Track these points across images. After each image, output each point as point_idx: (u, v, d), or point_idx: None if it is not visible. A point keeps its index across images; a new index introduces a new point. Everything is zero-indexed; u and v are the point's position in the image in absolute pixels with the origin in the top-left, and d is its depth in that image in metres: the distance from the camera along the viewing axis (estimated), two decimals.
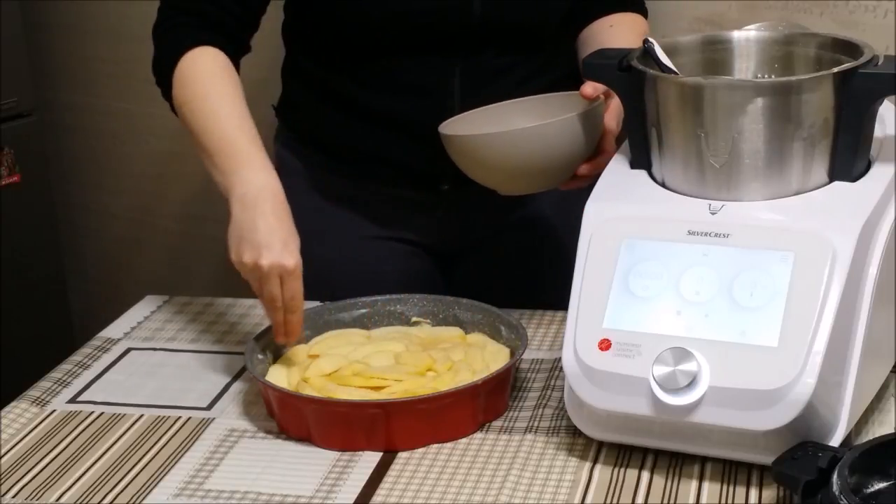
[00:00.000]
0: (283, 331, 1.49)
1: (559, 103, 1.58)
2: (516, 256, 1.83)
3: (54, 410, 1.52)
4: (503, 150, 1.50)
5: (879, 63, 1.32)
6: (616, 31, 1.71)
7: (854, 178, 1.33)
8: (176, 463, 1.38)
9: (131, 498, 1.32)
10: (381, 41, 1.66)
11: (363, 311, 1.61)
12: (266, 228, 1.46)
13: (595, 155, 1.54)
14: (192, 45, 1.59)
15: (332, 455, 1.38)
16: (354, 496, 1.30)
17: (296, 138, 1.83)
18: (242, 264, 1.46)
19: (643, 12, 1.80)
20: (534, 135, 1.49)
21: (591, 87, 1.51)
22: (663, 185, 1.38)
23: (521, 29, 1.69)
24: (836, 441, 1.25)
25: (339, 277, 1.84)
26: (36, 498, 1.33)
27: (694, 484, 1.29)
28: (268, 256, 1.44)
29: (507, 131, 1.51)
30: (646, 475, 1.31)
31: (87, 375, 1.60)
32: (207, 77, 1.59)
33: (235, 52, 1.65)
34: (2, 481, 1.36)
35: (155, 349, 1.67)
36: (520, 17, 1.68)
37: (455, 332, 1.58)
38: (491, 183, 1.58)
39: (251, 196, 1.48)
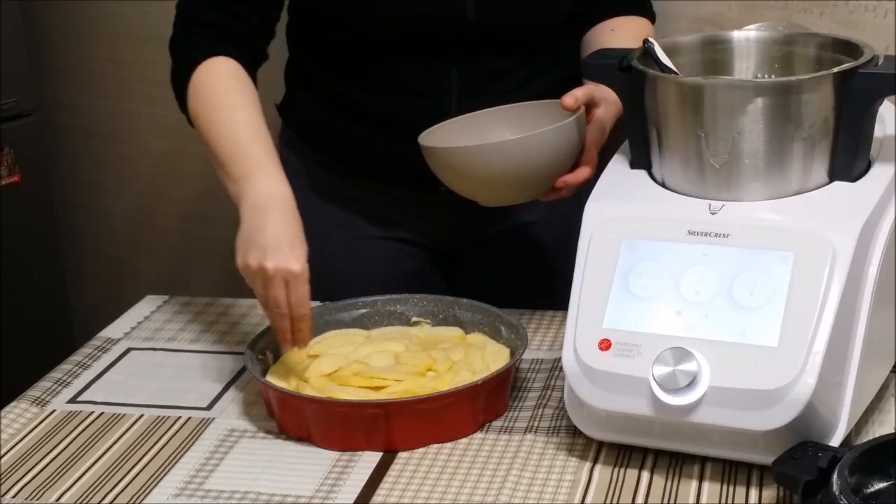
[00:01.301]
0: (290, 338, 1.46)
1: (541, 112, 1.57)
2: (516, 256, 1.83)
3: (54, 410, 1.52)
4: (481, 163, 1.49)
5: (879, 63, 1.32)
6: (616, 36, 1.70)
7: (854, 178, 1.33)
8: (176, 463, 1.38)
9: (131, 498, 1.32)
10: (378, 44, 1.66)
11: (363, 311, 1.61)
12: (274, 232, 1.44)
13: (574, 167, 1.53)
14: (205, 56, 1.59)
15: (332, 455, 1.38)
16: (354, 496, 1.30)
17: (297, 137, 1.83)
18: (247, 267, 1.44)
19: (649, 15, 1.79)
20: (511, 148, 1.48)
21: (571, 98, 1.50)
22: (663, 185, 1.38)
23: (517, 32, 1.69)
24: (836, 441, 1.25)
25: (339, 277, 1.84)
26: (36, 498, 1.33)
27: (694, 484, 1.29)
28: (273, 259, 1.42)
29: (484, 144, 1.51)
30: (646, 475, 1.31)
31: (87, 375, 1.60)
32: (221, 87, 1.58)
33: (252, 60, 1.64)
34: (2, 481, 1.36)
35: (155, 349, 1.67)
36: (515, 21, 1.67)
37: (455, 332, 1.58)
38: (470, 194, 1.57)
39: (261, 203, 1.46)
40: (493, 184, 1.52)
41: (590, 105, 1.54)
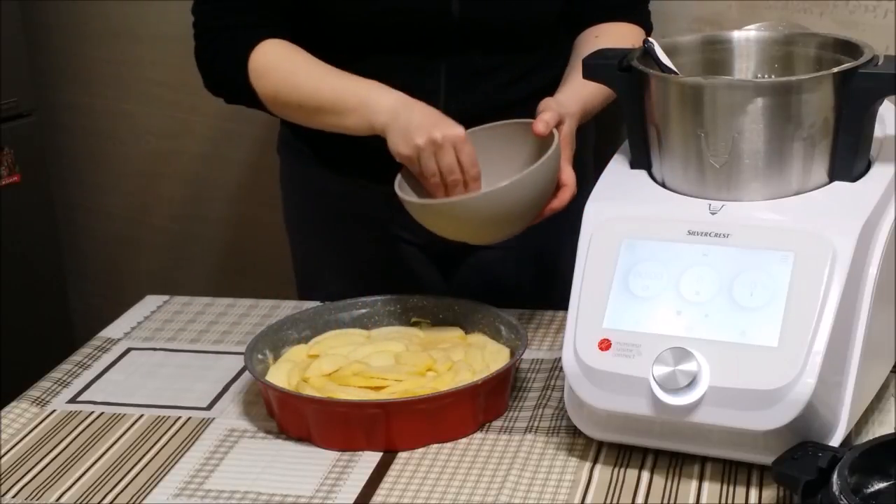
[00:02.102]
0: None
1: (511, 135, 1.55)
2: (516, 257, 1.83)
3: (54, 410, 1.52)
4: (466, 213, 1.48)
5: (879, 63, 1.32)
6: (600, 42, 1.68)
7: (854, 178, 1.33)
8: (176, 463, 1.38)
9: (131, 498, 1.32)
10: (367, 39, 1.67)
11: (363, 311, 1.61)
12: (425, 113, 1.53)
13: (556, 191, 1.53)
14: (254, 44, 1.63)
15: (332, 455, 1.38)
16: (354, 496, 1.30)
17: (294, 136, 1.83)
18: (417, 148, 1.50)
19: (642, 23, 1.77)
20: (493, 197, 1.46)
21: (543, 125, 1.50)
22: (663, 185, 1.38)
23: (502, 29, 1.69)
24: (836, 441, 1.25)
25: (338, 277, 1.84)
26: (36, 498, 1.33)
27: (694, 484, 1.29)
28: (438, 129, 1.50)
29: (465, 197, 1.48)
30: (646, 475, 1.31)
31: (87, 375, 1.60)
32: (284, 58, 1.64)
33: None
34: (2, 481, 1.36)
35: (155, 349, 1.67)
36: (500, 18, 1.67)
37: (455, 332, 1.58)
38: (457, 238, 1.55)
39: (396, 104, 1.55)
40: (482, 228, 1.51)
41: (557, 123, 1.53)
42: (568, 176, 1.54)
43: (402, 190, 1.54)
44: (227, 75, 1.66)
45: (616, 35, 1.71)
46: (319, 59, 1.64)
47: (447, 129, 1.50)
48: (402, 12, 1.64)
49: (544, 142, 1.51)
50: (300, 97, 1.62)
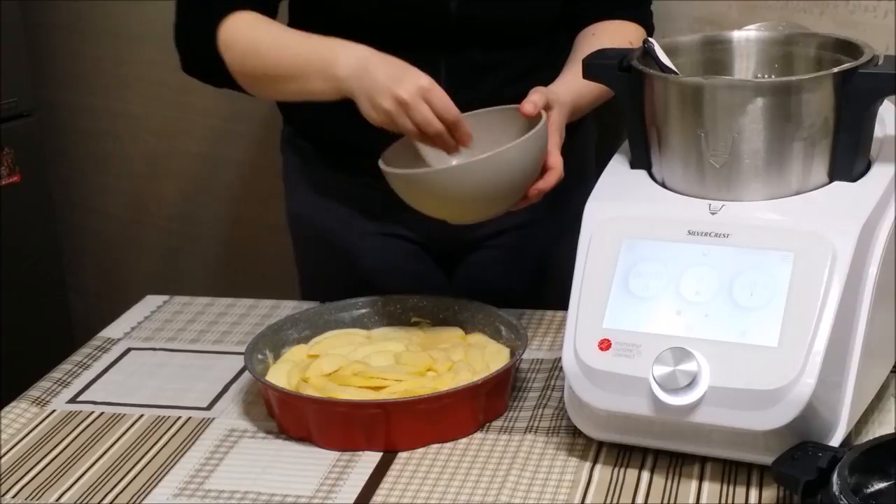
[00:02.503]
0: (455, 144, 1.49)
1: (499, 120, 1.55)
2: (516, 256, 1.83)
3: (54, 410, 1.52)
4: (452, 185, 1.46)
5: (879, 63, 1.32)
6: (596, 40, 1.68)
7: (854, 178, 1.33)
8: (176, 463, 1.38)
9: (131, 498, 1.32)
10: (365, 36, 1.66)
11: (363, 311, 1.61)
12: (384, 71, 1.48)
13: (542, 174, 1.52)
14: (223, 15, 1.60)
15: (332, 455, 1.38)
16: (354, 496, 1.30)
17: (296, 134, 1.83)
18: (386, 112, 1.47)
19: (642, 21, 1.76)
20: (477, 169, 1.45)
21: (531, 105, 1.50)
22: (663, 185, 1.38)
23: (501, 28, 1.69)
24: (836, 441, 1.25)
25: (340, 277, 1.84)
26: (36, 498, 1.33)
27: (694, 484, 1.29)
28: (400, 87, 1.46)
29: (448, 168, 1.47)
30: (646, 475, 1.31)
31: (87, 375, 1.60)
32: (253, 27, 1.61)
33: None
34: (2, 481, 1.36)
35: (155, 349, 1.67)
36: (497, 15, 1.68)
37: (455, 332, 1.58)
38: (439, 215, 1.54)
39: (356, 63, 1.50)
40: (465, 204, 1.49)
41: (547, 107, 1.53)
42: (555, 160, 1.52)
43: (387, 162, 1.52)
44: (198, 49, 1.63)
45: (614, 33, 1.71)
46: (285, 27, 1.61)
47: (409, 82, 1.46)
48: (400, 9, 1.64)
49: (532, 125, 1.50)
50: (265, 65, 1.59)
